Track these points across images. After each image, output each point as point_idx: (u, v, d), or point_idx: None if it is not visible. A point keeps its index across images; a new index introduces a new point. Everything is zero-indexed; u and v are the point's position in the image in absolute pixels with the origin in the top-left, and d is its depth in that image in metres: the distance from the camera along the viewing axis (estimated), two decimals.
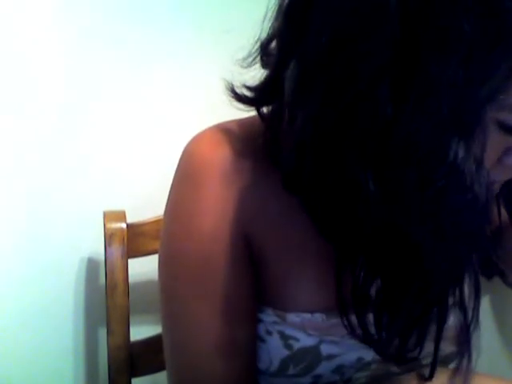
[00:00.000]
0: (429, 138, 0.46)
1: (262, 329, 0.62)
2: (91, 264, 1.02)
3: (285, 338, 0.61)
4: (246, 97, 0.58)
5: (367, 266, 0.54)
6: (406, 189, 0.48)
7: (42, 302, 1.00)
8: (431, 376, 0.59)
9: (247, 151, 0.59)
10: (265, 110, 0.58)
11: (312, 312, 0.60)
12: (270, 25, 0.54)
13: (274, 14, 0.53)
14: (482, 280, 0.60)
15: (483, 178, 0.48)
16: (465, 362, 0.57)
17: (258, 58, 0.57)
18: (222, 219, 0.58)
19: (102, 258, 0.92)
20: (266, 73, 0.56)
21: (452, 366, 0.65)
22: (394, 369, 0.64)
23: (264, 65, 0.56)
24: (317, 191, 0.53)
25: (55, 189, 0.98)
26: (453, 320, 0.59)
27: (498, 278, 0.71)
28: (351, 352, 0.62)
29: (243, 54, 0.57)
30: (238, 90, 0.58)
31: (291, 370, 0.62)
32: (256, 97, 0.58)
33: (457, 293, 0.56)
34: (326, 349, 0.61)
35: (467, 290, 0.57)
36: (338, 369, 0.63)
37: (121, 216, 0.93)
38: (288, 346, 0.61)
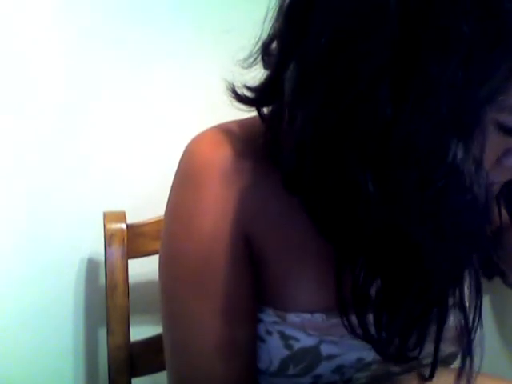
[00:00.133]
0: (428, 138, 0.46)
1: (262, 329, 0.62)
2: (91, 264, 1.02)
3: (285, 338, 0.61)
4: (246, 97, 0.58)
5: (367, 266, 0.54)
6: (406, 189, 0.48)
7: (42, 302, 1.00)
8: (431, 376, 0.59)
9: (248, 151, 0.59)
10: (265, 110, 0.58)
11: (312, 312, 0.60)
12: (270, 25, 0.54)
13: (275, 14, 0.54)
14: (482, 280, 0.60)
15: (482, 179, 0.48)
16: (467, 362, 0.57)
17: (259, 58, 0.57)
18: (223, 219, 0.58)
19: (102, 258, 0.92)
20: (267, 73, 0.56)
21: (453, 366, 0.65)
22: (395, 369, 0.64)
23: (265, 65, 0.56)
24: (317, 191, 0.53)
25: (55, 189, 0.98)
26: (453, 320, 0.59)
27: (498, 278, 0.71)
28: (351, 352, 0.62)
29: (244, 54, 0.57)
30: (239, 91, 0.58)
31: (291, 370, 0.62)
32: (256, 97, 0.58)
33: (457, 293, 0.56)
34: (326, 349, 0.61)
35: (467, 290, 0.57)
36: (338, 369, 0.63)
37: (121, 216, 0.93)
38: (288, 346, 0.61)
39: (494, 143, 0.49)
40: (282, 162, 0.56)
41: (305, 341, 0.61)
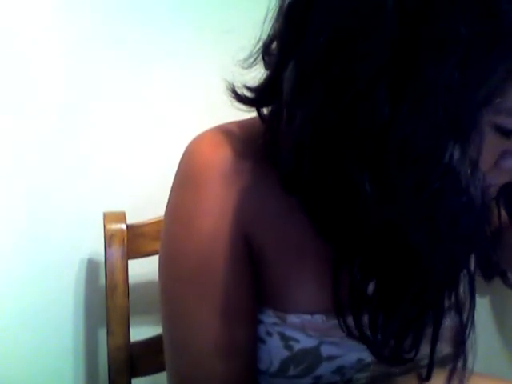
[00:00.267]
0: (425, 139, 0.46)
1: (262, 330, 0.62)
2: (91, 265, 1.02)
3: (285, 339, 0.61)
4: (246, 97, 0.58)
5: (364, 266, 0.54)
6: (403, 190, 0.48)
7: (42, 302, 1.00)
8: (428, 377, 0.59)
9: (247, 152, 0.59)
10: (265, 110, 0.58)
11: (312, 313, 0.60)
12: (270, 26, 0.54)
13: (275, 14, 0.54)
14: (482, 281, 0.60)
15: (479, 181, 0.48)
16: (460, 363, 0.57)
17: (259, 58, 0.57)
18: (222, 220, 0.58)
19: (102, 258, 0.92)
20: (267, 73, 0.56)
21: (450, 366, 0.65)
22: (394, 370, 0.64)
23: (266, 65, 0.56)
24: (315, 191, 0.54)
25: (55, 189, 0.98)
26: (450, 321, 0.59)
27: (498, 279, 0.71)
28: (351, 353, 0.62)
29: (244, 54, 0.57)
30: (239, 91, 0.58)
31: (291, 371, 0.62)
32: (256, 97, 0.58)
33: (453, 295, 0.55)
34: (326, 350, 0.61)
35: (463, 292, 0.57)
36: (339, 370, 0.63)
37: (121, 217, 0.93)
38: (288, 347, 0.61)
39: (491, 145, 0.49)
40: (281, 163, 0.56)
41: (305, 342, 0.61)
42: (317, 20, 0.49)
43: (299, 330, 0.61)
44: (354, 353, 0.62)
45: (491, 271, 0.69)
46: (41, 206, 0.97)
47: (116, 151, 1.00)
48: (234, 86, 0.58)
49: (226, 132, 0.61)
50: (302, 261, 0.60)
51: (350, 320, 0.57)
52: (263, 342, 0.62)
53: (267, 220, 0.59)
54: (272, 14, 0.54)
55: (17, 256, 0.97)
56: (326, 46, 0.48)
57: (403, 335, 0.56)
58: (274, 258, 0.60)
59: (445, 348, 0.64)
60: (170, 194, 0.62)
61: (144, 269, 0.95)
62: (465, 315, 0.57)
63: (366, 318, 0.56)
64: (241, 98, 0.58)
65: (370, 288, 0.55)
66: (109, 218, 0.93)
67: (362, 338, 0.57)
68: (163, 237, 0.63)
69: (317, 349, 0.61)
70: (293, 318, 0.60)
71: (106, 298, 0.91)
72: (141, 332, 0.96)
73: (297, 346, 0.61)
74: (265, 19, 0.55)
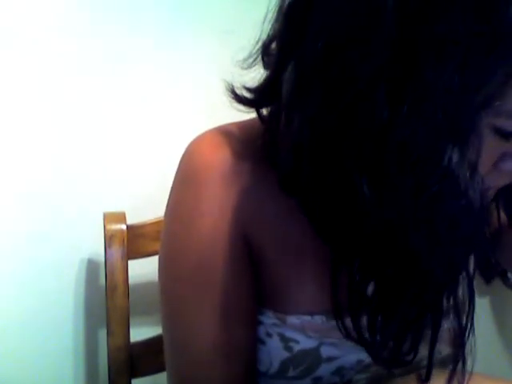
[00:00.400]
0: (423, 142, 0.46)
1: (262, 331, 0.62)
2: (91, 265, 1.02)
3: (285, 340, 0.61)
4: (245, 98, 0.58)
5: (363, 267, 0.54)
6: (401, 193, 0.48)
7: (42, 302, 1.00)
8: (427, 378, 0.59)
9: (247, 153, 0.59)
10: (264, 111, 0.58)
11: (312, 314, 0.60)
12: (270, 26, 0.54)
13: (275, 15, 0.53)
14: (482, 281, 0.60)
15: (477, 184, 0.48)
16: (460, 365, 0.57)
17: (259, 58, 0.57)
18: (222, 220, 0.58)
19: (102, 259, 0.92)
20: (266, 74, 0.56)
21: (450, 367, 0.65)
22: (394, 371, 0.64)
23: (265, 65, 0.56)
24: (313, 193, 0.53)
25: (55, 189, 0.98)
26: (449, 323, 0.59)
27: (497, 279, 0.71)
28: (351, 354, 0.62)
29: (243, 54, 0.57)
30: (238, 92, 0.58)
31: (291, 372, 0.62)
32: (256, 98, 0.57)
33: (451, 297, 0.55)
34: (325, 351, 0.61)
35: (462, 294, 0.57)
36: (338, 371, 0.63)
37: (121, 217, 0.93)
38: (288, 348, 0.61)
39: (490, 147, 0.49)
40: (280, 163, 0.56)
41: (305, 343, 0.61)
42: (316, 20, 0.49)
43: (299, 330, 0.61)
44: (353, 354, 0.62)
45: (490, 273, 0.69)
46: (41, 206, 0.97)
47: (116, 151, 1.00)
48: (233, 86, 0.58)
49: (226, 133, 0.61)
50: (302, 261, 0.60)
51: (349, 321, 0.56)
52: (263, 343, 0.62)
53: (266, 220, 0.59)
54: (272, 14, 0.54)
55: (17, 256, 0.98)
56: (326, 47, 0.48)
57: (402, 337, 0.55)
58: (273, 259, 0.60)
59: (444, 349, 0.64)
60: (170, 195, 0.62)
61: (144, 269, 0.95)
62: (464, 317, 0.56)
63: (364, 320, 0.56)
64: (240, 99, 0.58)
65: (369, 289, 0.55)
66: (109, 218, 0.93)
67: (360, 340, 0.57)
68: (163, 237, 0.63)
69: (316, 350, 0.61)
70: (293, 319, 0.60)
71: (106, 298, 0.91)
72: (141, 332, 0.96)
73: (296, 347, 0.61)
74: (264, 19, 0.54)
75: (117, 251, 0.91)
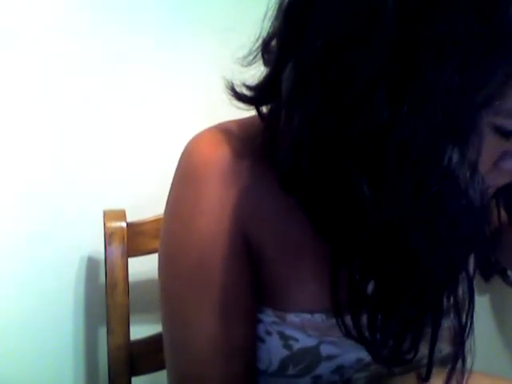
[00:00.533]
0: (423, 142, 0.46)
1: (261, 329, 0.62)
2: (91, 263, 1.02)
3: (284, 338, 0.61)
4: (245, 96, 0.58)
5: (363, 266, 0.54)
6: (401, 193, 0.48)
7: (42, 301, 1.00)
8: (427, 378, 0.59)
9: (246, 151, 0.59)
10: (264, 109, 0.58)
11: (312, 312, 0.60)
12: (270, 24, 0.54)
13: (275, 13, 0.53)
14: (481, 281, 0.60)
15: (477, 183, 0.48)
16: (459, 364, 0.57)
17: (259, 56, 0.57)
18: (221, 218, 0.59)
19: (102, 256, 0.92)
20: (266, 72, 0.56)
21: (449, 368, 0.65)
22: (394, 369, 0.64)
23: (265, 63, 0.56)
24: (313, 192, 0.53)
25: (55, 187, 0.98)
26: (449, 321, 0.59)
27: (497, 278, 0.71)
28: (351, 352, 0.62)
29: (243, 52, 0.57)
30: (238, 89, 0.58)
31: (291, 371, 0.62)
32: (255, 96, 0.58)
33: (451, 296, 0.55)
34: (325, 349, 0.61)
35: (462, 293, 0.57)
36: (338, 369, 0.63)
37: (121, 215, 0.93)
38: (288, 347, 0.61)
39: (490, 146, 0.49)
40: (279, 162, 0.56)
41: (304, 341, 0.61)
42: (316, 19, 0.49)
43: (299, 329, 0.61)
44: (353, 352, 0.62)
45: (490, 271, 0.69)
46: (41, 205, 0.97)
47: (116, 150, 1.00)
48: (233, 84, 0.58)
49: (225, 131, 0.61)
50: (302, 259, 0.60)
51: (348, 319, 0.56)
52: (262, 341, 0.62)
53: (266, 218, 0.59)
54: (272, 12, 0.54)
55: (17, 255, 0.97)
56: (325, 46, 0.48)
57: (402, 336, 0.55)
58: (273, 257, 0.60)
59: (444, 348, 0.64)
60: (170, 193, 0.62)
61: (144, 267, 0.95)
62: (464, 316, 0.56)
63: (364, 318, 0.56)
64: (240, 97, 0.58)
65: (370, 287, 0.55)
66: (109, 216, 0.93)
67: (360, 339, 0.57)
68: (163, 235, 0.63)
69: (316, 348, 0.61)
70: (292, 317, 0.60)
71: (106, 296, 0.91)
72: (141, 330, 0.96)
73: (296, 346, 0.61)
74: (264, 17, 0.55)
75: (117, 249, 0.91)
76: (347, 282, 0.55)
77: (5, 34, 0.91)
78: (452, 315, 0.57)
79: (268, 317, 0.62)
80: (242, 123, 0.62)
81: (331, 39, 0.47)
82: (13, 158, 0.95)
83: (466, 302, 0.55)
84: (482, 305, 1.06)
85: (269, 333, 0.62)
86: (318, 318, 0.60)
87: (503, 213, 0.66)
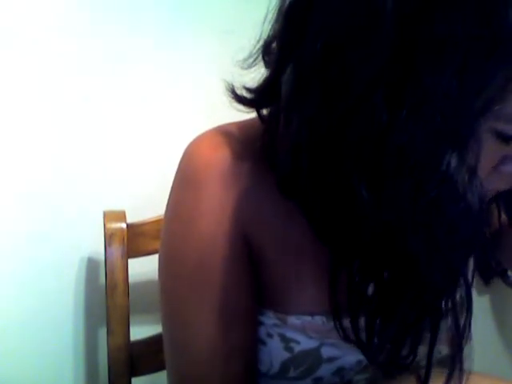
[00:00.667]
0: (422, 147, 0.46)
1: (262, 331, 0.62)
2: (91, 264, 1.02)
3: (285, 340, 0.61)
4: (245, 98, 0.58)
5: (362, 270, 0.54)
6: (400, 197, 0.47)
7: (42, 302, 1.00)
8: (426, 381, 0.59)
9: (246, 153, 0.59)
10: (265, 111, 0.58)
11: (312, 314, 0.60)
12: (270, 26, 0.54)
13: (275, 15, 0.53)
14: (480, 283, 0.59)
15: (476, 188, 0.48)
16: (458, 368, 0.56)
17: (259, 59, 0.56)
18: (221, 219, 0.59)
19: (102, 257, 0.92)
20: (266, 74, 0.56)
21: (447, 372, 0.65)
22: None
23: (266, 65, 0.56)
24: (313, 194, 0.53)
25: (55, 188, 0.98)
26: (448, 322, 0.58)
27: (497, 279, 0.71)
28: (351, 354, 0.62)
29: (243, 55, 0.57)
30: (238, 92, 0.58)
31: (292, 373, 0.62)
32: (255, 98, 0.57)
33: (450, 300, 0.55)
34: (326, 351, 0.61)
35: (460, 297, 0.57)
36: (339, 371, 0.63)
37: (121, 216, 0.93)
38: (288, 349, 0.61)
39: (490, 151, 0.49)
40: (278, 165, 0.56)
41: (305, 343, 0.61)
42: (316, 21, 0.49)
43: (300, 331, 0.61)
44: (354, 354, 0.62)
45: (489, 274, 0.69)
46: (41, 205, 0.97)
47: (116, 151, 1.00)
48: (233, 86, 0.58)
49: (225, 133, 0.61)
50: (302, 262, 0.60)
51: (347, 322, 0.56)
52: (263, 343, 0.62)
53: (266, 221, 0.59)
54: (272, 14, 0.54)
55: (17, 255, 0.98)
56: (325, 48, 0.47)
57: (400, 341, 0.55)
58: (273, 259, 0.60)
59: (443, 349, 0.63)
60: (170, 194, 0.62)
61: (144, 268, 0.96)
62: (462, 321, 0.56)
63: (362, 321, 0.56)
64: (240, 99, 0.58)
65: (369, 290, 0.55)
66: (109, 216, 0.93)
67: (357, 342, 0.57)
68: (163, 236, 0.63)
69: (317, 350, 0.61)
70: (293, 320, 0.60)
71: (106, 297, 0.91)
72: (141, 331, 0.96)
73: (297, 348, 0.61)
74: (264, 20, 0.54)
75: (117, 250, 0.91)
76: (347, 284, 0.55)
77: (5, 34, 0.91)
78: (450, 316, 0.57)
79: (269, 319, 0.62)
80: (242, 125, 0.62)
81: (331, 41, 0.47)
82: (13, 157, 0.95)
83: (464, 308, 0.55)
84: (482, 305, 1.07)
85: (270, 335, 0.62)
86: (319, 320, 0.60)
87: (503, 214, 0.66)
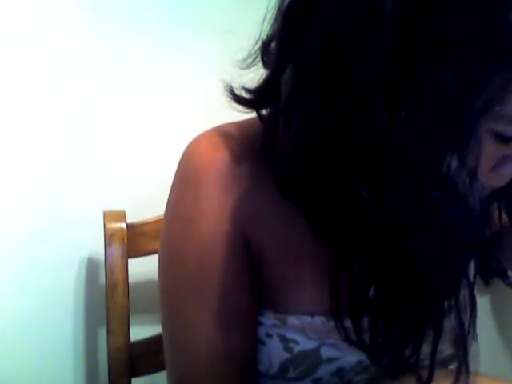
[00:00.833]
0: (422, 148, 0.46)
1: (262, 332, 0.62)
2: (91, 264, 1.02)
3: (285, 340, 0.61)
4: (244, 99, 0.58)
5: (364, 271, 0.54)
6: (400, 199, 0.47)
7: (42, 302, 1.00)
8: (429, 381, 0.59)
9: (245, 154, 0.59)
10: (264, 112, 0.58)
11: (312, 315, 0.60)
12: (269, 26, 0.54)
13: (274, 15, 0.53)
14: (480, 284, 0.59)
15: (477, 190, 0.48)
16: (463, 369, 0.56)
17: (258, 59, 0.56)
18: (221, 219, 0.59)
19: (102, 257, 0.92)
20: (265, 75, 0.56)
21: (451, 367, 0.65)
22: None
23: (265, 65, 0.56)
24: (313, 195, 0.53)
25: (55, 188, 0.98)
26: (451, 322, 0.58)
27: (497, 278, 0.71)
28: (351, 355, 0.62)
29: (243, 55, 0.57)
30: (237, 92, 0.58)
31: (291, 373, 0.62)
32: (254, 99, 0.57)
33: (452, 301, 0.55)
34: (326, 352, 0.61)
35: (463, 299, 0.57)
36: (338, 372, 0.63)
37: (121, 216, 0.93)
38: (288, 349, 0.61)
39: (489, 152, 0.48)
40: (278, 165, 0.56)
41: (305, 344, 0.61)
42: (316, 21, 0.49)
43: (299, 331, 0.61)
44: (353, 355, 0.62)
45: (490, 275, 0.69)
46: (41, 205, 0.97)
47: (116, 151, 1.00)
48: (232, 87, 0.58)
49: (225, 133, 0.61)
50: (302, 262, 0.60)
51: (348, 323, 0.56)
52: (263, 343, 0.62)
53: (266, 221, 0.59)
54: (271, 14, 0.54)
55: (17, 255, 0.98)
56: (325, 48, 0.47)
57: (403, 342, 0.55)
58: (273, 259, 0.60)
59: (446, 349, 0.63)
60: (170, 194, 0.62)
61: (144, 268, 0.96)
62: (466, 322, 0.56)
63: (365, 322, 0.56)
64: (239, 100, 0.58)
65: (371, 291, 0.55)
66: (109, 216, 0.93)
67: (359, 343, 0.57)
68: (163, 236, 0.63)
69: (317, 351, 0.61)
70: (293, 320, 0.60)
71: (106, 297, 0.91)
72: (141, 331, 0.96)
73: (296, 348, 0.61)
74: (264, 19, 0.54)
75: (117, 250, 0.91)
76: (348, 285, 0.55)
77: (5, 34, 0.91)
78: (453, 318, 0.57)
79: (269, 319, 0.62)
80: (242, 126, 0.62)
81: (330, 41, 0.47)
82: (13, 157, 0.95)
83: (468, 309, 0.55)
84: (483, 306, 1.07)
85: (269, 335, 0.62)
86: (319, 320, 0.60)
87: (504, 215, 0.66)
